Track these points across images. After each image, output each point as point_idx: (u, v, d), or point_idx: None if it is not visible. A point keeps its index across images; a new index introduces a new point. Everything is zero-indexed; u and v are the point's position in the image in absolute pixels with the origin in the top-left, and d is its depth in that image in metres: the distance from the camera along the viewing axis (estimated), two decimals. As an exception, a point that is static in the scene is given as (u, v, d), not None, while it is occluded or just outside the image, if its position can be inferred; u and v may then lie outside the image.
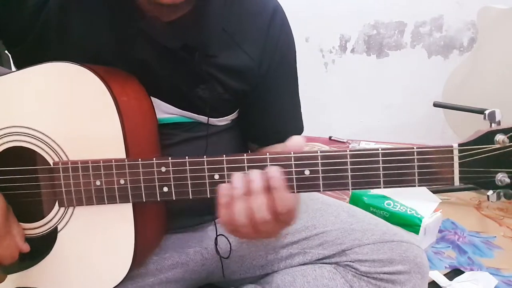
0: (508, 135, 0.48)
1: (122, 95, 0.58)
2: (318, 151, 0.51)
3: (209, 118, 0.70)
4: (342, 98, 2.27)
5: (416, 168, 0.50)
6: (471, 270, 1.20)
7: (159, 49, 0.64)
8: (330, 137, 2.31)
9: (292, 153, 0.52)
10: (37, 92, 0.58)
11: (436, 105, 1.74)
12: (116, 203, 0.57)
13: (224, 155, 0.53)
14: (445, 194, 1.63)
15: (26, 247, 0.58)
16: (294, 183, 0.52)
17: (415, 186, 0.51)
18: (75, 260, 0.60)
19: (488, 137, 0.49)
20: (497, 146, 0.48)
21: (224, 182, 0.53)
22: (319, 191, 0.53)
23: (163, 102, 0.68)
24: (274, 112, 0.76)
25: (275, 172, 0.51)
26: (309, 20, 2.17)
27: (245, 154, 0.53)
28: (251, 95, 0.73)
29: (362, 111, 2.28)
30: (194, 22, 0.65)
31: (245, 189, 0.51)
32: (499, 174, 0.49)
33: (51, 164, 0.58)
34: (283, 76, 0.76)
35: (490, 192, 0.50)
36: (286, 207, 0.50)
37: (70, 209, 0.59)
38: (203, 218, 0.78)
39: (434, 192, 1.36)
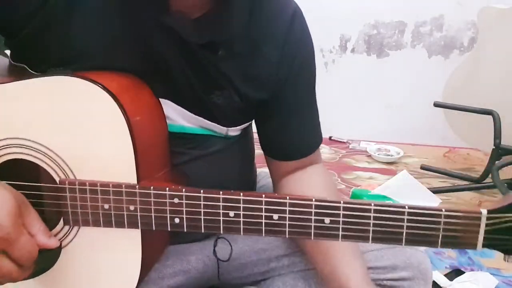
0: None
1: (135, 114, 0.55)
2: (342, 202, 0.49)
3: (221, 127, 0.68)
4: (342, 98, 2.27)
5: (441, 230, 0.49)
6: (472, 270, 1.20)
7: (179, 45, 0.61)
8: (330, 137, 2.31)
9: (313, 200, 0.50)
10: (43, 105, 0.55)
11: (436, 105, 1.74)
12: (125, 228, 0.54)
13: (242, 193, 0.51)
14: (445, 194, 1.63)
15: (51, 242, 0.54)
16: (312, 231, 0.50)
17: (437, 247, 0.50)
18: (77, 278, 0.58)
19: None
20: None
21: (239, 221, 0.51)
22: (337, 240, 0.51)
23: (177, 106, 0.65)
24: (293, 124, 0.72)
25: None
26: (309, 20, 2.16)
27: (263, 195, 0.50)
28: (269, 105, 0.69)
29: (362, 111, 2.28)
30: (220, 19, 0.62)
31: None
32: None
33: (57, 181, 0.55)
34: (303, 84, 0.72)
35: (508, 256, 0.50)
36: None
37: (76, 227, 0.57)
38: (204, 233, 0.77)
39: (435, 192, 1.36)
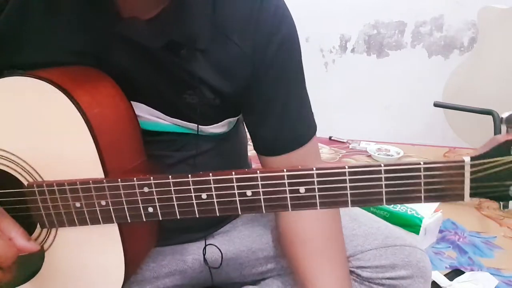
0: None
1: (92, 107, 0.53)
2: (314, 169, 0.47)
3: (201, 126, 0.65)
4: (342, 98, 2.27)
5: (422, 185, 0.46)
6: (472, 270, 1.20)
7: (140, 53, 0.58)
8: (330, 137, 2.31)
9: (285, 170, 0.48)
10: (1, 109, 0.53)
11: (436, 105, 1.74)
12: (100, 224, 0.53)
13: (211, 174, 0.49)
14: (445, 194, 1.63)
15: (31, 245, 0.53)
16: (288, 202, 0.48)
17: (420, 202, 0.47)
18: (63, 281, 0.58)
19: (504, 148, 0.43)
20: None
21: (213, 202, 0.50)
22: (315, 209, 0.49)
23: (150, 108, 0.63)
24: (274, 115, 0.66)
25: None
26: (309, 20, 2.17)
27: (233, 172, 0.48)
28: (247, 97, 0.65)
29: (362, 111, 2.28)
30: (177, 16, 0.58)
31: None
32: None
33: (26, 185, 0.54)
34: (281, 71, 0.65)
35: (503, 202, 0.46)
36: None
37: (53, 229, 0.56)
38: (202, 233, 0.76)
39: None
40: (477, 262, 1.24)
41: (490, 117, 1.57)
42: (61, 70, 0.56)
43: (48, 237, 0.56)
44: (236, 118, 0.71)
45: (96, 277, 0.57)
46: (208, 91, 0.62)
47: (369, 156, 2.10)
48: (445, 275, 1.13)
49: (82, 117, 0.51)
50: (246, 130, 0.74)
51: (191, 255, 0.74)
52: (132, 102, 0.61)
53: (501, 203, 0.46)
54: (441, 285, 1.09)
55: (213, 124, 0.66)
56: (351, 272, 0.72)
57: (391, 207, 1.28)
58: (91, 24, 0.58)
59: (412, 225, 1.22)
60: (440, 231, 1.37)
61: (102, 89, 0.57)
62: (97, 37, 0.58)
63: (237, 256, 0.75)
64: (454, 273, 1.17)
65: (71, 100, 0.51)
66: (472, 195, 0.45)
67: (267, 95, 0.65)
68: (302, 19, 2.11)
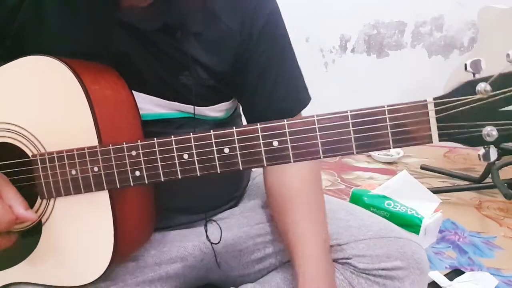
0: (490, 81, 0.42)
1: (93, 83, 0.58)
2: (285, 121, 0.50)
3: (197, 107, 0.69)
4: (342, 98, 2.27)
5: (389, 128, 0.46)
6: (472, 270, 1.20)
7: (138, 37, 0.63)
8: (330, 137, 2.31)
9: (258, 125, 0.50)
10: (11, 86, 0.59)
11: (436, 105, 1.74)
12: (92, 191, 0.57)
13: (191, 133, 0.52)
14: (445, 194, 1.63)
15: (29, 214, 0.56)
16: (263, 156, 0.51)
17: (390, 147, 0.47)
18: (61, 252, 0.61)
19: (468, 88, 0.43)
20: (480, 96, 0.42)
21: (193, 161, 0.53)
22: (289, 162, 0.50)
23: (149, 96, 0.67)
24: (266, 88, 0.70)
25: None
26: (309, 20, 2.17)
27: (211, 131, 0.52)
28: (240, 74, 0.69)
29: (362, 111, 2.28)
30: (171, 2, 0.63)
31: None
32: (486, 127, 0.43)
33: (30, 157, 0.59)
34: (271, 45, 0.70)
35: (481, 151, 0.45)
36: None
37: (52, 201, 0.60)
38: (201, 216, 0.78)
39: (435, 192, 1.36)
40: (477, 262, 1.25)
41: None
42: (71, 59, 0.61)
43: (46, 209, 0.60)
44: (231, 103, 0.75)
45: (89, 248, 0.60)
46: (202, 71, 0.67)
47: (369, 156, 2.10)
48: (445, 275, 1.13)
49: (83, 89, 0.56)
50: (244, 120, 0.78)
51: (191, 242, 0.76)
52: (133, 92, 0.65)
53: (479, 154, 0.44)
54: (441, 285, 1.09)
55: (209, 106, 0.70)
56: (347, 263, 0.72)
57: (391, 207, 1.28)
58: (94, 13, 0.63)
59: (412, 225, 1.22)
60: (440, 231, 1.37)
61: (105, 74, 0.62)
62: (99, 24, 0.63)
63: (235, 242, 0.76)
64: (454, 273, 1.17)
65: (74, 75, 0.56)
66: (441, 136, 0.44)
67: (259, 68, 0.70)
68: (302, 19, 2.12)
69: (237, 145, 0.51)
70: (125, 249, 0.64)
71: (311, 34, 2.25)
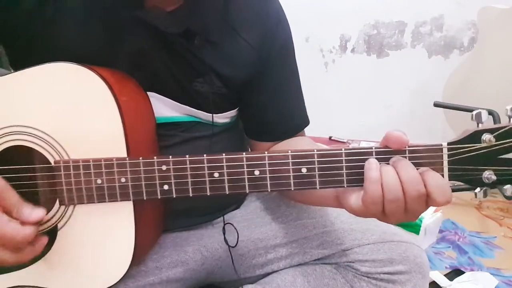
0: (494, 134, 0.50)
1: (122, 94, 0.58)
2: (315, 150, 0.53)
3: (207, 113, 0.70)
4: (342, 98, 2.27)
5: None
6: (472, 270, 1.21)
7: (157, 38, 0.64)
8: (330, 137, 2.31)
9: (289, 151, 0.53)
10: (38, 92, 0.58)
11: (436, 105, 1.74)
12: (117, 201, 0.57)
13: (224, 154, 0.54)
14: (445, 194, 1.63)
15: (33, 216, 0.52)
16: (291, 181, 0.53)
17: None
18: (74, 258, 0.60)
19: (475, 137, 0.50)
20: (484, 145, 0.50)
21: (223, 180, 0.54)
22: (315, 188, 0.53)
23: (162, 97, 0.67)
24: (279, 104, 0.74)
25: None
26: (309, 20, 2.17)
27: (244, 153, 0.54)
28: (252, 88, 0.72)
29: (362, 111, 2.28)
30: (194, 10, 0.65)
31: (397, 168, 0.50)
32: (486, 172, 0.51)
33: (52, 163, 0.58)
34: (285, 65, 0.75)
35: (477, 190, 0.52)
36: (439, 188, 0.50)
37: (71, 207, 0.59)
38: (202, 218, 0.78)
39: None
40: (477, 262, 1.25)
41: (490, 117, 1.57)
42: (95, 66, 0.60)
43: (64, 215, 0.60)
44: (237, 110, 0.76)
45: (105, 256, 0.60)
46: (216, 79, 0.68)
47: (369, 156, 2.10)
48: (445, 275, 1.13)
49: (114, 99, 0.56)
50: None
51: (191, 246, 0.76)
52: (147, 93, 0.66)
53: (475, 192, 0.52)
54: (441, 285, 1.09)
55: (219, 113, 0.72)
56: (349, 266, 0.73)
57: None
58: (113, 11, 0.63)
59: (412, 225, 1.22)
60: (440, 231, 1.37)
61: (128, 83, 0.64)
62: (119, 24, 0.63)
63: (237, 247, 0.76)
64: (454, 273, 1.17)
65: (105, 83, 0.56)
66: (450, 177, 0.52)
67: (273, 84, 0.73)
68: (302, 19, 2.12)
69: (267, 168, 0.54)
70: (140, 257, 0.64)
71: (311, 34, 2.24)
